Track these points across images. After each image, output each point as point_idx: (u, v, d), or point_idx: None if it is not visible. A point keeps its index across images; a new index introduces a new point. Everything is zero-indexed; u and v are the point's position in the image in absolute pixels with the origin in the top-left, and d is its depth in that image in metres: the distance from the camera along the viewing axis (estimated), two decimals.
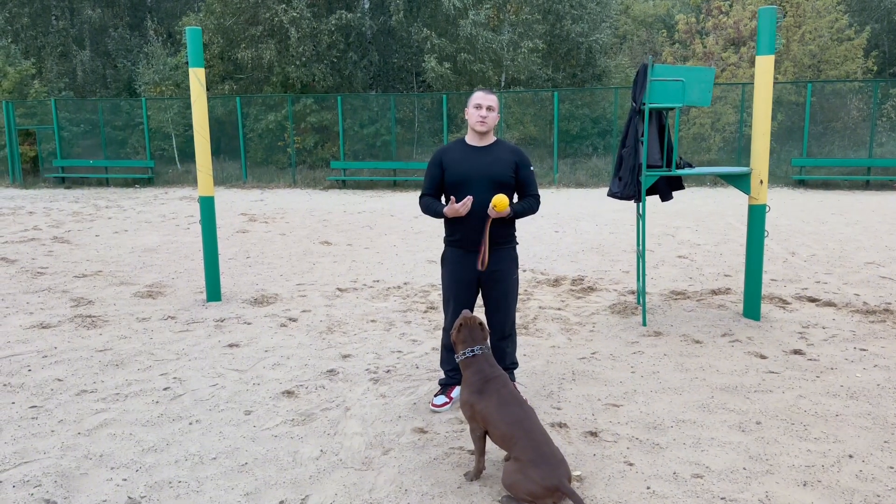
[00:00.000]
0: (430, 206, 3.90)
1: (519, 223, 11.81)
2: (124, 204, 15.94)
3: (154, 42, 25.11)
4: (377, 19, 24.41)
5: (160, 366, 4.84)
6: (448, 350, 4.08)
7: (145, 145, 21.62)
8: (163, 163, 22.57)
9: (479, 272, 3.90)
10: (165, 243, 10.21)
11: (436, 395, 4.08)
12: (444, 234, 4.00)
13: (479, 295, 4.06)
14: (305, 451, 3.51)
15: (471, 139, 3.91)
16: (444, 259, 4.03)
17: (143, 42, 27.26)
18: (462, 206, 3.70)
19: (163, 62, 24.37)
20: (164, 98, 23.12)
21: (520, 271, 7.82)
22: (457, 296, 3.95)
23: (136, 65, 26.55)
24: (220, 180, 20.26)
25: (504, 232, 3.89)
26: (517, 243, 4.03)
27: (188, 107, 22.03)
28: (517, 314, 6.04)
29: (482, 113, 3.80)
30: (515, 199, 4.03)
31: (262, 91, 23.86)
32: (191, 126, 21.15)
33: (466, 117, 3.91)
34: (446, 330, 4.04)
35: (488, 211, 3.72)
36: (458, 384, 4.05)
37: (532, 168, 3.94)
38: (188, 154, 22.43)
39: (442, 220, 3.95)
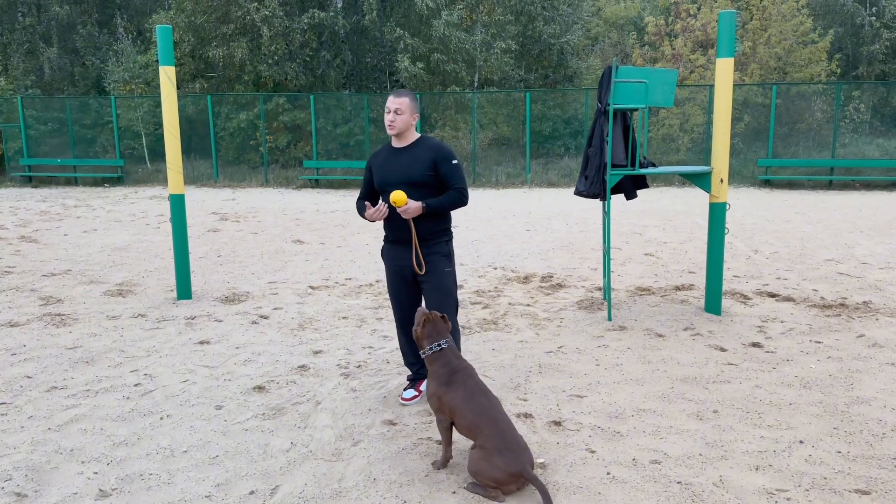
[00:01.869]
0: (359, 210, 4.02)
1: (491, 223, 11.93)
2: (93, 203, 15.75)
3: (123, 39, 24.79)
4: (350, 18, 24.39)
5: (130, 363, 4.85)
6: (408, 346, 4.15)
7: (115, 144, 21.33)
8: (132, 162, 22.30)
9: (413, 267, 3.93)
10: (135, 242, 10.14)
11: (405, 389, 4.16)
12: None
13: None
14: (276, 444, 3.57)
15: (393, 142, 4.00)
16: (382, 254, 4.13)
17: (113, 39, 26.89)
18: (376, 212, 3.77)
19: (132, 60, 24.07)
20: (133, 96, 22.85)
21: (491, 269, 7.94)
22: (396, 290, 4.04)
23: (105, 62, 26.18)
24: (191, 179, 20.09)
25: (431, 228, 3.89)
26: (449, 238, 4.02)
27: (158, 105, 21.78)
28: (486, 311, 6.15)
29: (389, 117, 3.86)
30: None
31: (234, 90, 23.70)
32: (161, 125, 20.92)
33: None
34: (400, 325, 4.11)
35: (399, 211, 3.73)
36: (426, 378, 4.13)
37: (455, 161, 3.88)
38: (158, 153, 22.20)
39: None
